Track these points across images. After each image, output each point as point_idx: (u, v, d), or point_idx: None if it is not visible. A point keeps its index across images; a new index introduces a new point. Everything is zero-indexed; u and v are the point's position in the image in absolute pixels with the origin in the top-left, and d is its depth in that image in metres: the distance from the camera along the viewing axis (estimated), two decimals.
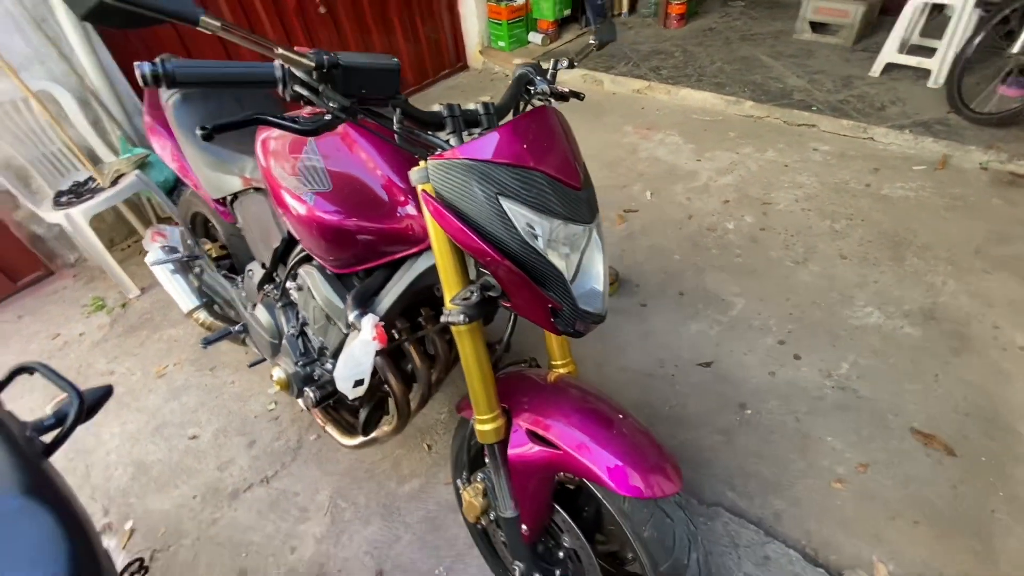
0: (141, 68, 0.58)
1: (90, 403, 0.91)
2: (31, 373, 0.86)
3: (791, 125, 3.09)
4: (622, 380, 1.83)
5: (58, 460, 1.78)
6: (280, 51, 0.61)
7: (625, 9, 4.71)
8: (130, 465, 1.75)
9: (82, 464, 1.77)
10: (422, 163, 0.79)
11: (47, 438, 0.86)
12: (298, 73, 0.65)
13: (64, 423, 0.84)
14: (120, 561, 1.43)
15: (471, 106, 0.88)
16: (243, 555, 1.48)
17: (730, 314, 2.01)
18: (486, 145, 0.73)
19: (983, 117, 2.73)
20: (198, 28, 0.56)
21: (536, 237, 0.75)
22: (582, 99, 1.12)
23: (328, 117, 0.68)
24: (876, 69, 3.32)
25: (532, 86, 1.01)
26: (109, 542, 1.54)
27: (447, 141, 0.81)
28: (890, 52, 3.26)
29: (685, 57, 3.84)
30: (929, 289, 2.00)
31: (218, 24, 0.56)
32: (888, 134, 2.84)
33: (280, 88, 0.67)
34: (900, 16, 3.16)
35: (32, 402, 1.92)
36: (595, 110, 3.53)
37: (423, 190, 0.78)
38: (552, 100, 1.02)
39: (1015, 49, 2.66)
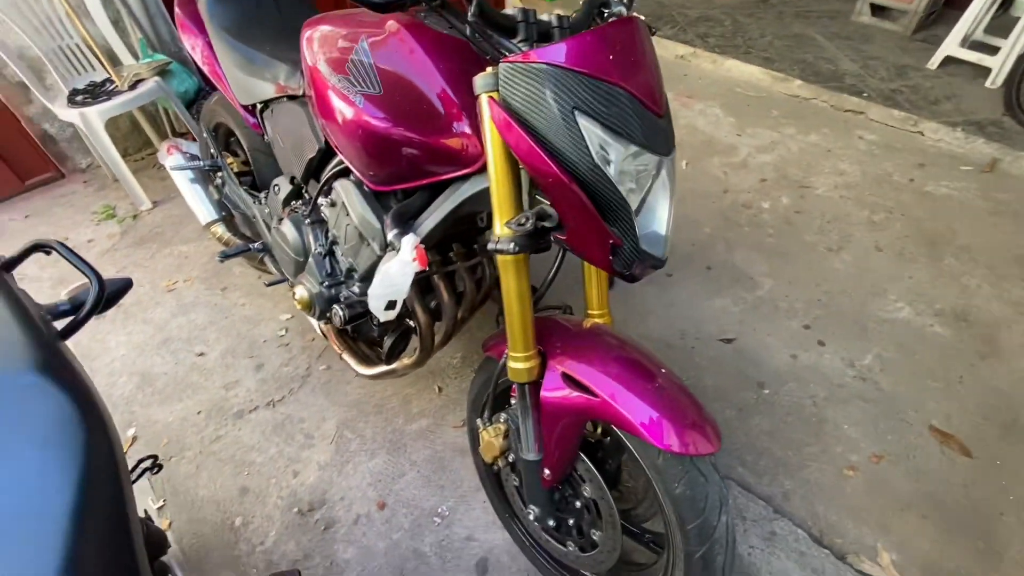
0: None
1: (109, 293, 0.86)
2: (48, 252, 0.80)
3: (838, 110, 2.96)
4: None
5: None
6: None
7: None
8: (135, 375, 1.73)
9: (86, 368, 1.74)
10: (490, 69, 0.71)
11: (59, 325, 0.81)
12: None
13: (80, 311, 0.79)
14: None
15: (544, 16, 0.79)
16: (245, 474, 1.47)
17: (756, 293, 1.95)
18: (569, 50, 0.65)
19: None
20: None
21: (609, 162, 0.69)
22: (654, 33, 1.03)
23: None
24: (934, 62, 3.16)
25: (607, 7, 0.92)
26: None
27: (519, 48, 0.74)
28: (951, 45, 3.09)
29: (734, 27, 3.66)
30: (963, 291, 1.94)
31: None
32: (939, 130, 2.72)
33: None
34: (967, 10, 2.99)
35: (39, 288, 1.89)
36: None
37: (489, 98, 0.71)
38: None
39: None
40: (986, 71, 3.01)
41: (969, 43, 3.13)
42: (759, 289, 1.97)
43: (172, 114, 2.63)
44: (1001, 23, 3.01)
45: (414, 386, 1.65)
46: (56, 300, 0.85)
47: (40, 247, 0.80)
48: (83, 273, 0.78)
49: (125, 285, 0.90)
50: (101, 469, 0.55)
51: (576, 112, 0.66)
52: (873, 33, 3.57)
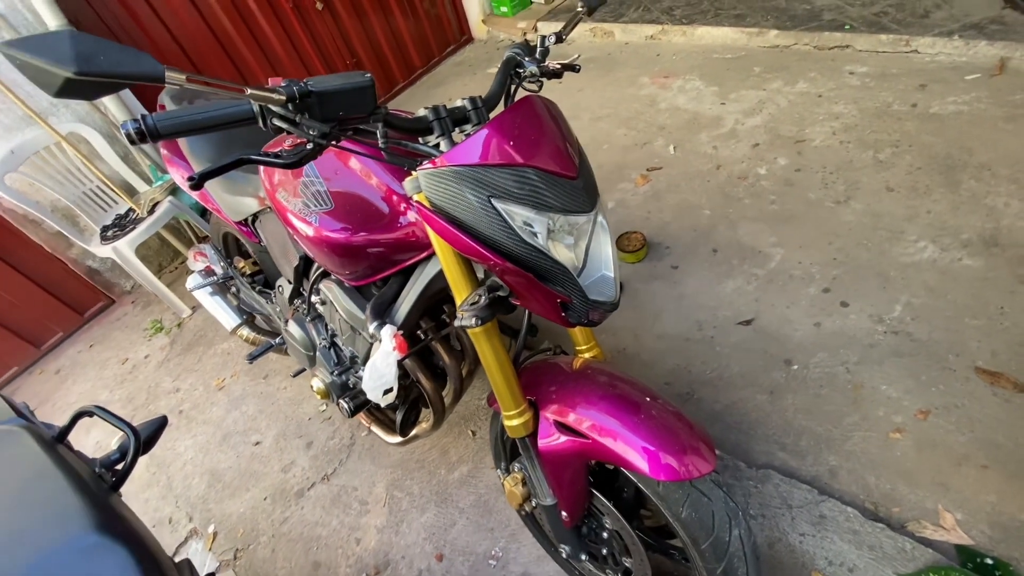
0: (125, 127, 0.60)
1: (146, 436, 0.98)
2: (91, 416, 0.93)
3: (822, 50, 2.85)
4: (660, 348, 1.80)
5: (142, 475, 1.93)
6: (250, 91, 0.61)
7: None
8: (205, 474, 1.89)
9: (164, 476, 1.93)
10: (413, 173, 0.78)
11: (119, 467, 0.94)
12: (274, 107, 0.65)
13: (125, 459, 0.91)
14: (207, 563, 1.56)
15: (458, 103, 0.85)
16: (314, 549, 1.58)
17: (768, 266, 1.92)
18: (472, 148, 0.71)
19: None
20: (164, 84, 0.56)
21: (535, 234, 0.73)
22: (577, 71, 1.07)
23: (310, 146, 0.68)
24: None
25: (521, 68, 0.97)
26: (196, 545, 1.68)
27: (436, 146, 0.80)
28: None
29: None
30: (990, 213, 1.83)
31: (183, 77, 0.56)
32: (935, 43, 2.57)
33: (260, 123, 0.67)
34: None
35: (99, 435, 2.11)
36: (607, 64, 3.38)
37: (417, 201, 0.78)
38: (544, 80, 0.99)
39: None
40: None
41: None
42: (770, 261, 1.93)
43: (192, 223, 2.85)
44: None
45: (449, 434, 1.73)
46: (108, 451, 0.98)
47: (83, 414, 0.93)
48: (119, 428, 0.90)
49: (160, 424, 1.01)
50: None
51: (493, 199, 0.72)
52: None
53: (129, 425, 0.89)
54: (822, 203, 2.07)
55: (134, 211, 2.51)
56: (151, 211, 2.46)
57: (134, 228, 2.41)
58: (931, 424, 1.42)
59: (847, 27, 2.81)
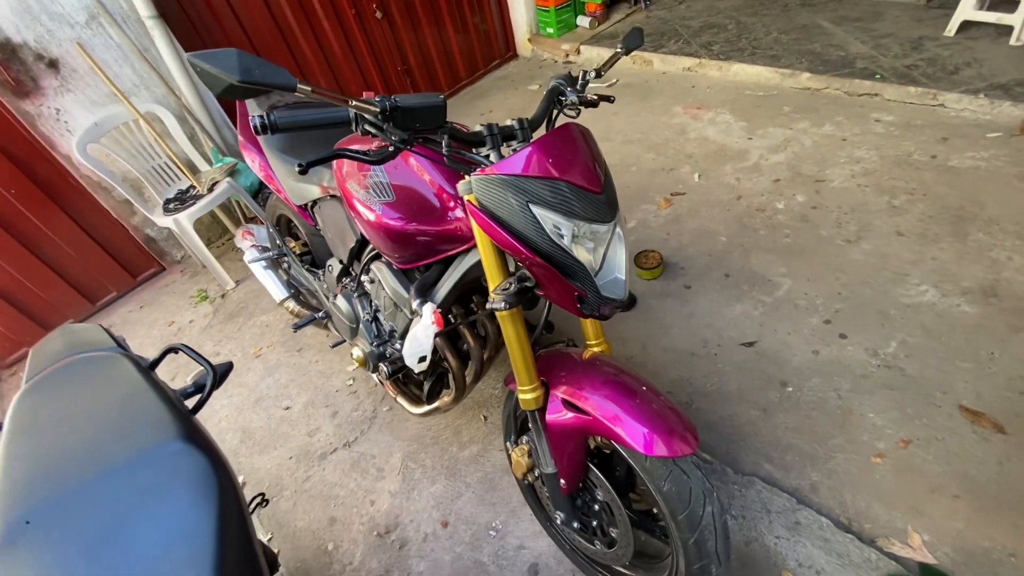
0: (254, 120, 0.78)
1: (219, 375, 1.16)
2: (176, 352, 1.11)
3: (852, 96, 2.97)
4: (666, 360, 1.93)
5: None
6: (353, 103, 0.78)
7: None
8: (238, 431, 2.08)
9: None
10: (467, 177, 0.95)
11: (190, 402, 1.12)
12: (367, 116, 0.82)
13: (203, 390, 1.09)
14: None
15: (508, 123, 1.02)
16: (332, 506, 1.75)
17: (775, 294, 2.04)
18: (517, 162, 0.87)
19: None
20: (296, 92, 0.74)
21: (562, 236, 0.89)
22: (612, 102, 1.24)
23: (391, 149, 0.85)
24: (951, 28, 3.10)
25: (563, 97, 1.14)
26: None
27: (487, 156, 0.97)
28: (967, 8, 3.02)
29: (739, 29, 3.74)
30: (992, 265, 1.93)
31: (309, 89, 0.73)
32: (961, 99, 2.67)
33: (353, 127, 0.84)
34: None
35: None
36: (643, 91, 3.54)
37: (468, 200, 0.94)
38: (582, 108, 1.15)
39: None
40: (1008, 29, 2.91)
41: (987, 3, 3.04)
42: (778, 290, 2.05)
43: (243, 203, 3.09)
44: None
45: (463, 417, 1.88)
46: (184, 385, 1.16)
47: (172, 349, 1.11)
48: (201, 364, 1.08)
49: (228, 368, 1.19)
50: (231, 505, 0.81)
51: (530, 204, 0.88)
52: (884, 9, 3.53)
53: (209, 362, 1.07)
54: (833, 240, 2.19)
55: (194, 188, 2.75)
56: (210, 189, 2.69)
57: (194, 203, 2.64)
58: (911, 453, 1.52)
59: (878, 76, 2.92)
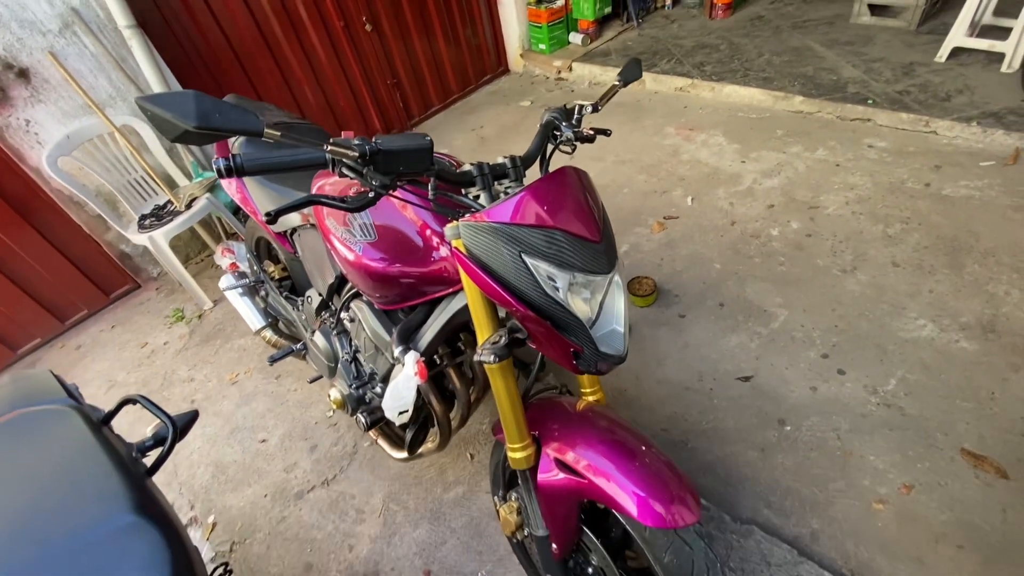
0: (217, 164, 0.70)
1: (181, 426, 1.07)
2: (134, 403, 1.01)
3: (844, 120, 2.96)
4: (660, 393, 1.86)
5: (149, 458, 1.98)
6: (330, 146, 0.71)
7: (669, 1, 4.60)
8: (210, 465, 1.97)
9: (171, 463, 2.00)
10: (454, 222, 0.87)
11: (150, 456, 1.02)
12: (345, 160, 0.75)
13: (163, 443, 0.99)
14: (204, 551, 1.63)
15: (499, 160, 0.95)
16: (308, 551, 1.64)
17: (771, 326, 1.99)
18: (509, 209, 0.80)
19: None
20: (263, 138, 0.66)
21: (557, 288, 0.82)
22: (608, 135, 1.17)
23: (371, 195, 0.78)
24: (942, 54, 3.11)
25: (558, 132, 1.07)
26: (195, 533, 1.75)
27: (477, 198, 0.89)
28: (958, 35, 3.03)
29: (731, 50, 3.73)
30: (990, 299, 1.90)
31: (278, 134, 0.66)
32: (953, 127, 2.67)
33: (331, 169, 0.77)
34: None
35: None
36: (635, 110, 3.51)
37: (455, 246, 0.87)
38: (578, 143, 1.08)
39: None
40: (1000, 56, 2.93)
41: (978, 29, 3.06)
42: (774, 321, 2.00)
43: (223, 219, 2.98)
44: (1011, 0, 2.91)
45: (448, 455, 1.79)
46: (143, 437, 1.06)
47: (129, 400, 1.01)
48: (160, 419, 0.99)
49: (192, 418, 1.10)
50: None
51: (523, 255, 0.80)
52: (875, 33, 3.55)
53: (169, 416, 0.98)
54: (829, 270, 2.15)
55: (172, 204, 2.64)
56: (188, 206, 2.59)
57: (171, 220, 2.53)
58: (913, 499, 1.47)
59: (870, 101, 2.92)
